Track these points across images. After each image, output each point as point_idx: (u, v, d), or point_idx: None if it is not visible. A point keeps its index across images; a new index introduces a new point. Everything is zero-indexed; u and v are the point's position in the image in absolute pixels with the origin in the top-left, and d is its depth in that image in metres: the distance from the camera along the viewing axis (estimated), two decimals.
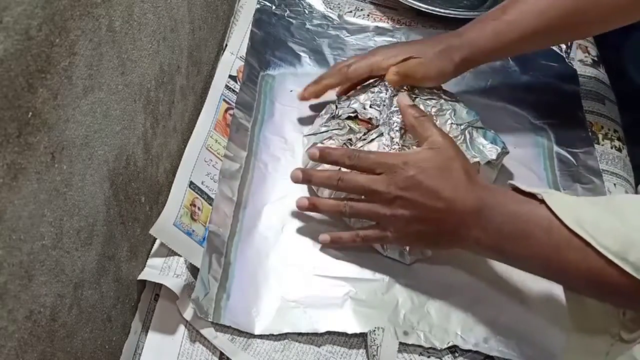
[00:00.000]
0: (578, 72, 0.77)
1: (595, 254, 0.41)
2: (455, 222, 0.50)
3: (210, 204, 0.59)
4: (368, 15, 0.84)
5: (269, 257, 0.60)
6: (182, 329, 0.54)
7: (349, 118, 0.63)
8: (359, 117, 0.63)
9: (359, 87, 0.67)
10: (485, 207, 0.49)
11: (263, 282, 0.58)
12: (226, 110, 0.68)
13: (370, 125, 0.62)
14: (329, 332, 0.55)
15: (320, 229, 0.62)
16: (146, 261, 0.56)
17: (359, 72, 0.64)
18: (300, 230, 0.62)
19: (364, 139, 0.61)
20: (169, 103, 0.57)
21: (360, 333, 0.55)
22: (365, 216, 0.56)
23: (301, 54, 0.78)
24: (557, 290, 0.60)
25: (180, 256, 0.55)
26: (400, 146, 0.58)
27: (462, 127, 0.61)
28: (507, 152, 0.63)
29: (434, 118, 0.60)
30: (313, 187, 0.63)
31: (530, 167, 0.69)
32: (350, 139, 0.61)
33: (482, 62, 0.66)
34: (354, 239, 0.57)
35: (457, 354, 0.55)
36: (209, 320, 0.54)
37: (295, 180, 0.58)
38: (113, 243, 0.47)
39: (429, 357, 0.54)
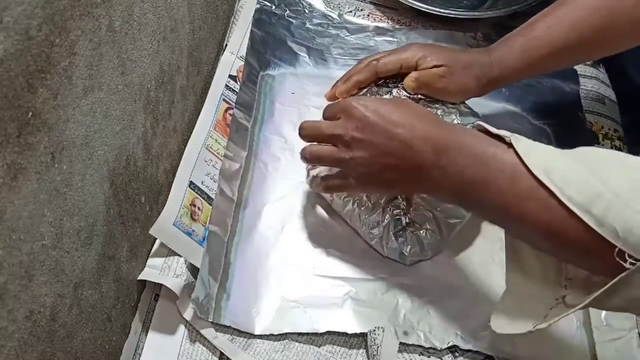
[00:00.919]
0: (578, 72, 0.77)
1: (559, 204, 0.39)
2: (415, 162, 0.48)
3: (210, 204, 0.59)
4: (368, 15, 0.84)
5: (269, 257, 0.60)
6: (182, 329, 0.54)
7: None
8: None
9: (367, 88, 0.64)
10: (448, 148, 0.46)
11: (263, 282, 0.58)
12: (226, 110, 0.68)
13: None
14: (329, 332, 0.55)
15: (321, 229, 0.62)
16: (146, 261, 0.56)
17: (388, 67, 0.61)
18: (300, 230, 0.62)
19: None
20: (169, 103, 0.57)
21: (361, 333, 0.55)
22: (326, 161, 0.55)
23: (301, 53, 0.78)
24: None
25: (180, 256, 0.55)
26: None
27: (468, 127, 0.61)
28: None
29: (440, 118, 0.59)
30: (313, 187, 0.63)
31: None
32: None
33: (511, 81, 0.62)
34: (318, 184, 0.57)
35: (457, 354, 0.55)
36: (209, 320, 0.54)
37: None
38: (113, 243, 0.47)
39: (429, 357, 0.54)
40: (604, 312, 0.57)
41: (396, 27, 0.82)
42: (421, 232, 0.58)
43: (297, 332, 0.55)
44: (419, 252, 0.59)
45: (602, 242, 0.37)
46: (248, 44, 0.75)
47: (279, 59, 0.77)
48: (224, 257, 0.58)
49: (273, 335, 0.54)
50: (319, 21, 0.81)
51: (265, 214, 0.63)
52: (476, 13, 0.82)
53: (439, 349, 0.54)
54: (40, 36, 0.31)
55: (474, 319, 0.57)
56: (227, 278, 0.58)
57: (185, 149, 0.60)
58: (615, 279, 0.36)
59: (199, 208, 0.58)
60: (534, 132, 0.73)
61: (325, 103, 0.63)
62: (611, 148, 0.71)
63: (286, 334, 0.54)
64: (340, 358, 0.54)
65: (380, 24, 0.82)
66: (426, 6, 0.80)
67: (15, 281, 0.33)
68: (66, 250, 0.38)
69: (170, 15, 0.54)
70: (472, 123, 0.61)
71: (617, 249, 0.36)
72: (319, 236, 0.62)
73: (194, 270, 0.55)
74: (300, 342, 0.54)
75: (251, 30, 0.76)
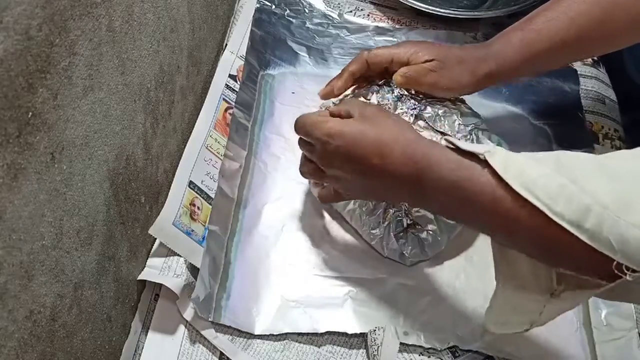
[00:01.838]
0: (578, 72, 0.77)
1: (548, 222, 0.38)
2: (392, 186, 0.47)
3: (210, 204, 0.59)
4: (368, 15, 0.84)
5: (269, 256, 0.60)
6: (182, 329, 0.54)
7: None
8: None
9: (363, 85, 0.63)
10: (422, 179, 0.45)
11: (263, 282, 0.58)
12: (226, 110, 0.67)
13: None
14: (329, 332, 0.55)
15: (321, 228, 0.62)
16: (146, 261, 0.55)
17: (378, 59, 0.60)
18: (300, 230, 0.62)
19: None
20: (169, 103, 0.57)
21: (361, 333, 0.54)
22: (310, 176, 0.56)
23: (301, 53, 0.78)
24: None
25: (180, 256, 0.55)
26: None
27: (469, 128, 0.61)
28: None
29: (441, 119, 0.59)
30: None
31: None
32: None
33: (508, 77, 0.61)
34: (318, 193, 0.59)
35: (457, 354, 0.54)
36: (209, 320, 0.54)
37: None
38: (113, 243, 0.47)
39: (429, 357, 0.54)
40: (604, 312, 0.57)
41: (396, 27, 0.82)
42: (422, 233, 0.58)
43: (297, 332, 0.55)
44: (420, 253, 0.59)
45: (598, 254, 0.36)
46: (248, 43, 0.75)
47: (279, 59, 0.77)
48: (224, 256, 0.58)
49: (273, 335, 0.54)
50: (319, 21, 0.81)
51: (265, 214, 0.63)
52: (476, 13, 0.82)
53: (439, 349, 0.54)
54: (40, 36, 0.31)
55: (474, 319, 0.56)
56: (227, 278, 0.58)
57: (185, 148, 0.60)
58: (613, 284, 0.36)
59: (198, 208, 0.58)
60: (534, 132, 0.73)
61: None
62: (611, 148, 0.71)
63: (286, 334, 0.54)
64: (340, 358, 0.54)
65: (381, 24, 0.82)
66: (426, 6, 0.80)
67: (15, 281, 0.33)
68: (66, 250, 0.38)
69: (170, 15, 0.54)
70: (474, 124, 0.61)
71: (615, 262, 0.36)
72: (319, 236, 0.62)
73: (194, 270, 0.55)
74: (300, 342, 0.54)
75: (251, 30, 0.76)
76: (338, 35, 0.80)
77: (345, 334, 0.55)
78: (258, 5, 0.80)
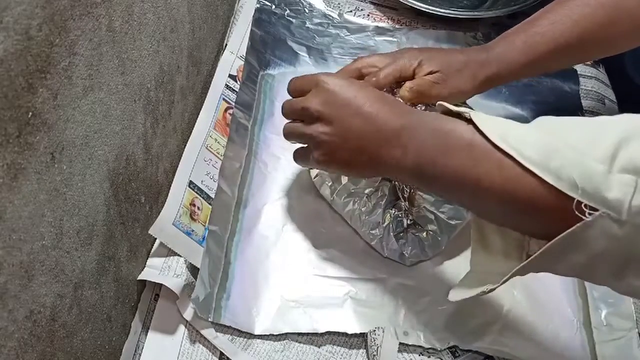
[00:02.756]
0: (578, 72, 0.77)
1: (514, 163, 0.38)
2: (376, 140, 0.48)
3: (210, 204, 0.59)
4: (368, 15, 0.84)
5: (269, 256, 0.60)
6: (182, 329, 0.54)
7: None
8: None
9: None
10: (409, 124, 0.46)
11: (263, 282, 0.58)
12: (226, 110, 0.68)
13: None
14: (329, 332, 0.55)
15: (321, 229, 0.62)
16: (146, 261, 0.56)
17: (389, 80, 0.59)
18: (300, 230, 0.62)
19: None
20: (169, 103, 0.57)
21: (361, 333, 0.55)
22: (293, 135, 0.55)
23: (301, 53, 0.78)
24: (559, 291, 0.60)
25: (180, 256, 0.55)
26: None
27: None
28: None
29: None
30: (314, 183, 0.63)
31: None
32: None
33: (509, 79, 0.60)
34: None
35: (457, 354, 0.55)
36: (209, 320, 0.54)
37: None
38: (113, 243, 0.47)
39: (429, 357, 0.54)
40: (604, 312, 0.57)
41: (396, 27, 0.82)
42: (422, 233, 0.58)
43: (297, 332, 0.55)
44: (419, 253, 0.59)
45: (559, 198, 0.36)
46: (248, 43, 0.75)
47: (279, 59, 0.77)
48: (224, 256, 0.58)
49: (273, 335, 0.54)
50: (319, 21, 0.81)
51: (265, 214, 0.63)
52: (476, 13, 0.82)
53: (439, 349, 0.54)
54: (40, 36, 0.31)
55: (474, 319, 0.57)
56: (227, 278, 0.58)
57: (185, 148, 0.60)
58: (574, 227, 0.35)
59: (198, 208, 0.58)
60: None
61: None
62: None
63: (286, 334, 0.54)
64: (340, 358, 0.54)
65: (381, 24, 0.82)
66: (426, 6, 0.80)
67: (15, 281, 0.33)
68: (66, 250, 0.38)
69: (170, 15, 0.54)
70: None
71: (575, 202, 0.35)
72: (319, 236, 0.62)
73: (194, 270, 0.55)
74: (300, 342, 0.54)
75: (251, 30, 0.76)
76: (338, 35, 0.80)
77: (345, 334, 0.55)
78: (258, 5, 0.80)
